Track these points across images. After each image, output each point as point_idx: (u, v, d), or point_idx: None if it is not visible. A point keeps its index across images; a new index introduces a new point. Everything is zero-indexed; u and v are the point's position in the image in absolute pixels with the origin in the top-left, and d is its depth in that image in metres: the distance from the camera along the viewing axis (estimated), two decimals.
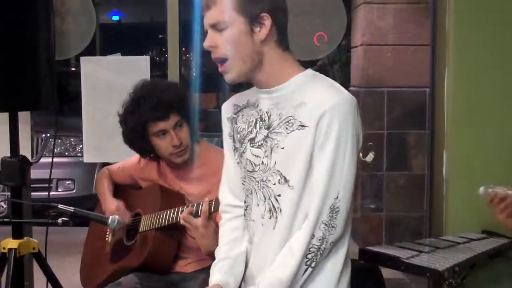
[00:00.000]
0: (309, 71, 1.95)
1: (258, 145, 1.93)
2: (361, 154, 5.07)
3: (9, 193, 2.98)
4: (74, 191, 6.67)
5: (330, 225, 1.85)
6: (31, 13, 2.82)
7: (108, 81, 3.53)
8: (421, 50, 4.87)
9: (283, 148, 1.87)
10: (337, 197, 1.85)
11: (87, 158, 3.68)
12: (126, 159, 3.05)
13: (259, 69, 1.90)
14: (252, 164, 1.95)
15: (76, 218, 2.56)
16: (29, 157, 3.28)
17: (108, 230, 2.97)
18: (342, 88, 1.91)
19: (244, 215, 2.04)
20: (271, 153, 1.90)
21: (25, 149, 3.25)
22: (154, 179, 2.89)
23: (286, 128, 1.87)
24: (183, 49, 3.77)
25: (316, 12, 3.66)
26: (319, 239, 1.85)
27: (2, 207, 6.21)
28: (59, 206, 2.50)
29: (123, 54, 3.72)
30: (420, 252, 2.95)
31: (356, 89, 5.36)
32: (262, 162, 1.92)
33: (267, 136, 1.91)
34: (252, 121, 1.96)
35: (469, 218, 3.25)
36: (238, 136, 2.01)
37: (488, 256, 3.04)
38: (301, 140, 1.85)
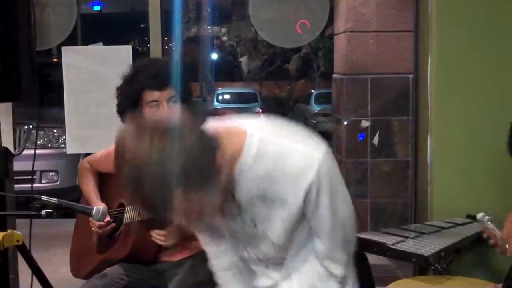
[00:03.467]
0: (251, 137, 1.72)
1: (234, 217, 1.84)
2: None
3: None
4: (58, 182, 6.64)
5: (349, 259, 1.91)
6: (10, 4, 2.79)
7: (90, 71, 3.50)
8: (404, 36, 4.86)
9: (269, 219, 1.79)
10: (344, 230, 1.86)
11: (70, 149, 3.65)
12: (111, 146, 3.01)
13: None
14: (233, 232, 1.89)
15: (60, 210, 2.54)
16: (11, 149, 3.25)
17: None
18: (310, 146, 1.75)
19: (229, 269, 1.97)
20: (254, 224, 1.81)
21: (7, 141, 3.22)
22: None
23: (265, 203, 1.76)
24: (165, 38, 3.75)
25: (299, 0, 3.65)
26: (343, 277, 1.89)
27: None
28: (42, 198, 2.48)
29: (105, 44, 3.69)
30: (405, 238, 2.96)
31: (339, 76, 5.35)
32: (245, 231, 1.85)
33: (240, 210, 1.80)
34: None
35: (454, 203, 3.27)
36: None
37: (472, 240, 3.06)
38: (287, 211, 1.75)
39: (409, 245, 2.87)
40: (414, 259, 2.82)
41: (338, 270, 1.86)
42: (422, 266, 3.16)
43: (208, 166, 1.54)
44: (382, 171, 5.19)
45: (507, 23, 3.30)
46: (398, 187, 5.10)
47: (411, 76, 4.27)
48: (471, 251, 3.24)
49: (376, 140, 4.83)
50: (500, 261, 3.19)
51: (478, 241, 3.14)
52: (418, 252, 2.77)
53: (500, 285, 2.54)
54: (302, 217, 1.78)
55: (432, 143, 3.36)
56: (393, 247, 2.86)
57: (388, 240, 2.92)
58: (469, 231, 3.06)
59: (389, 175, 5.14)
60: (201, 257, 2.09)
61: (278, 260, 1.87)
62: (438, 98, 3.32)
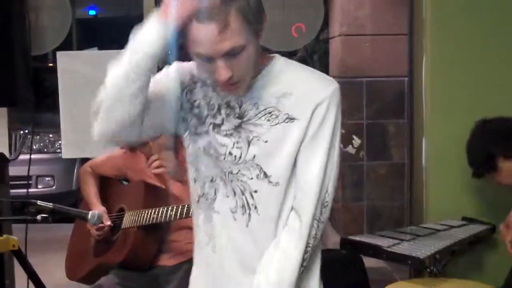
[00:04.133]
0: (280, 57, 1.79)
1: (226, 134, 1.76)
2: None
3: None
4: (54, 187, 6.64)
5: (321, 221, 1.75)
6: (4, 8, 2.80)
7: (85, 76, 3.51)
8: (399, 39, 4.89)
9: (266, 141, 1.72)
10: (327, 192, 1.75)
11: (66, 154, 3.66)
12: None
13: None
14: (215, 151, 1.78)
15: (56, 215, 2.54)
16: (7, 154, 3.26)
17: None
18: (327, 76, 1.81)
19: (198, 201, 1.84)
20: (248, 145, 1.74)
21: (3, 146, 3.23)
22: (143, 168, 2.87)
23: (269, 120, 1.72)
24: None
25: (294, 3, 3.67)
26: (313, 237, 1.74)
27: None
28: (38, 203, 2.48)
29: (100, 49, 3.70)
30: (401, 240, 2.96)
31: (335, 80, 5.37)
32: (230, 153, 1.76)
33: (239, 126, 1.75)
34: (214, 104, 1.78)
35: (449, 205, 3.27)
36: (195, 110, 1.81)
37: (468, 242, 3.06)
38: (289, 134, 1.72)
39: (404, 248, 2.87)
40: (409, 262, 2.82)
41: (308, 218, 1.73)
42: (417, 268, 3.16)
43: (260, 14, 1.66)
44: (378, 174, 5.21)
45: (501, 27, 3.32)
46: (394, 190, 5.12)
47: (406, 79, 4.28)
48: (467, 254, 3.25)
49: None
50: (496, 263, 3.20)
51: (473, 243, 3.16)
52: (414, 255, 2.77)
53: None
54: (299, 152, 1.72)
55: (427, 145, 3.37)
56: (389, 249, 2.85)
57: (384, 242, 2.92)
58: (464, 234, 3.06)
59: (385, 178, 5.16)
60: None
61: (256, 199, 1.75)
62: (432, 101, 3.33)
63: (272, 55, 1.80)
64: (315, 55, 7.20)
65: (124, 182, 3.07)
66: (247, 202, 1.76)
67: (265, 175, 1.74)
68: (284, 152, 1.73)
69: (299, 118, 1.71)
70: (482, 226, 3.16)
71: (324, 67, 6.51)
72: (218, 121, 1.78)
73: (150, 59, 1.67)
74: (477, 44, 3.30)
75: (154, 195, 2.77)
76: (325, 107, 1.71)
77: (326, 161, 1.72)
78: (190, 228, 2.54)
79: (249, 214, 1.76)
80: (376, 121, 5.20)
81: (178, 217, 2.58)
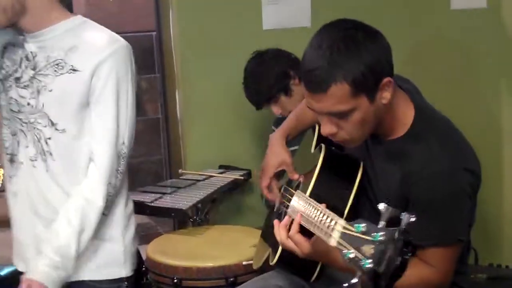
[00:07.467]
0: (79, 17, 1.95)
1: (24, 86, 1.91)
2: None
3: None
4: None
5: (119, 171, 1.92)
6: None
7: None
8: None
9: (51, 90, 1.87)
10: (123, 143, 1.91)
11: None
12: None
13: (22, 15, 1.85)
14: (17, 105, 1.93)
15: None
16: None
17: None
18: (117, 35, 1.92)
19: (8, 154, 2.00)
20: (38, 95, 1.89)
21: None
22: None
23: (55, 71, 1.87)
24: None
25: None
26: (113, 187, 1.92)
27: None
28: None
29: None
30: (163, 194, 3.00)
31: None
32: (29, 103, 1.90)
33: (33, 77, 1.90)
34: (17, 59, 1.93)
35: (206, 155, 3.36)
36: (3, 72, 1.96)
37: (227, 189, 3.18)
38: (72, 84, 1.86)
39: (167, 201, 2.92)
40: (173, 214, 2.88)
41: (106, 171, 1.90)
42: (181, 219, 3.23)
43: None
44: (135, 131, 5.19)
45: None
46: (151, 145, 5.14)
47: (154, 33, 4.28)
48: (226, 200, 3.37)
49: None
50: (254, 206, 3.37)
51: (232, 189, 3.28)
52: (176, 207, 2.84)
53: None
54: (84, 105, 1.87)
55: (180, 98, 3.41)
56: (152, 204, 2.89)
57: (146, 198, 2.94)
58: (222, 182, 3.16)
59: (141, 134, 5.15)
60: None
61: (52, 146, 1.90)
62: (183, 53, 3.35)
63: (73, 13, 1.95)
64: None
65: None
66: (43, 149, 1.91)
67: (52, 123, 1.88)
68: (69, 101, 1.87)
69: (82, 70, 1.85)
70: (239, 172, 3.29)
71: None
72: (18, 74, 1.92)
73: None
74: None
75: None
76: (109, 64, 1.85)
77: (117, 115, 1.88)
78: None
79: (46, 160, 1.91)
80: None
81: None
